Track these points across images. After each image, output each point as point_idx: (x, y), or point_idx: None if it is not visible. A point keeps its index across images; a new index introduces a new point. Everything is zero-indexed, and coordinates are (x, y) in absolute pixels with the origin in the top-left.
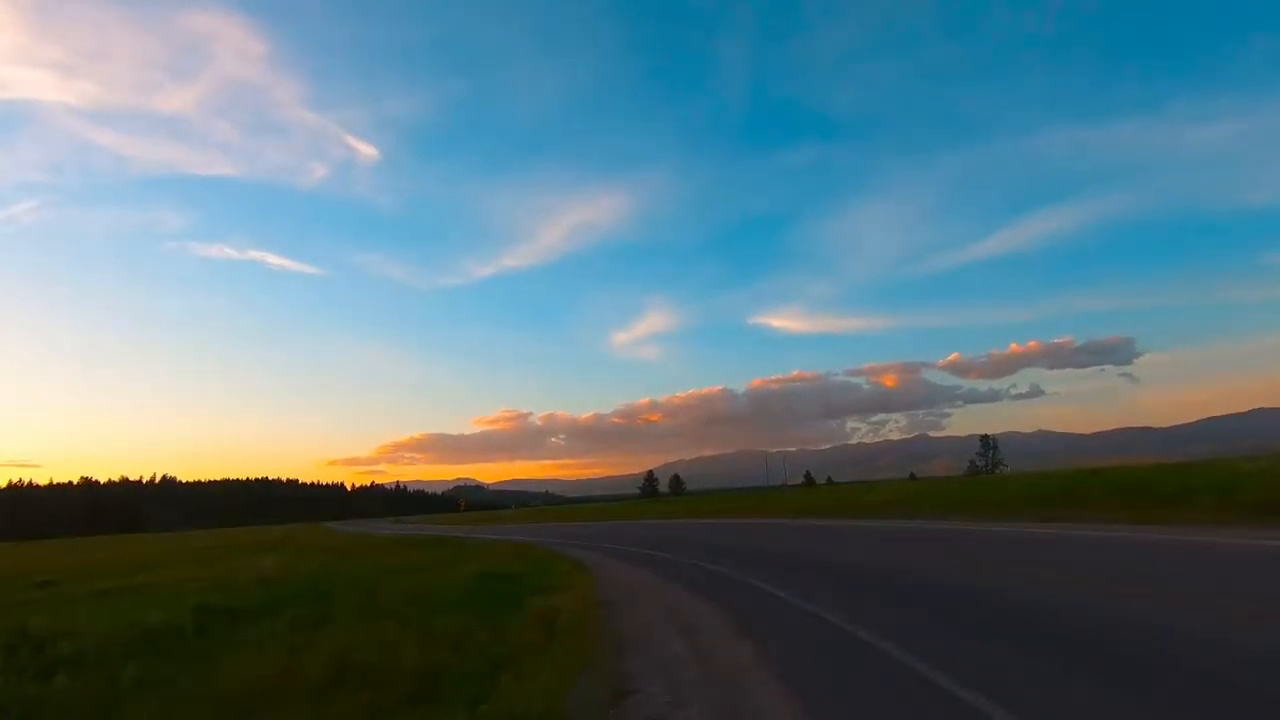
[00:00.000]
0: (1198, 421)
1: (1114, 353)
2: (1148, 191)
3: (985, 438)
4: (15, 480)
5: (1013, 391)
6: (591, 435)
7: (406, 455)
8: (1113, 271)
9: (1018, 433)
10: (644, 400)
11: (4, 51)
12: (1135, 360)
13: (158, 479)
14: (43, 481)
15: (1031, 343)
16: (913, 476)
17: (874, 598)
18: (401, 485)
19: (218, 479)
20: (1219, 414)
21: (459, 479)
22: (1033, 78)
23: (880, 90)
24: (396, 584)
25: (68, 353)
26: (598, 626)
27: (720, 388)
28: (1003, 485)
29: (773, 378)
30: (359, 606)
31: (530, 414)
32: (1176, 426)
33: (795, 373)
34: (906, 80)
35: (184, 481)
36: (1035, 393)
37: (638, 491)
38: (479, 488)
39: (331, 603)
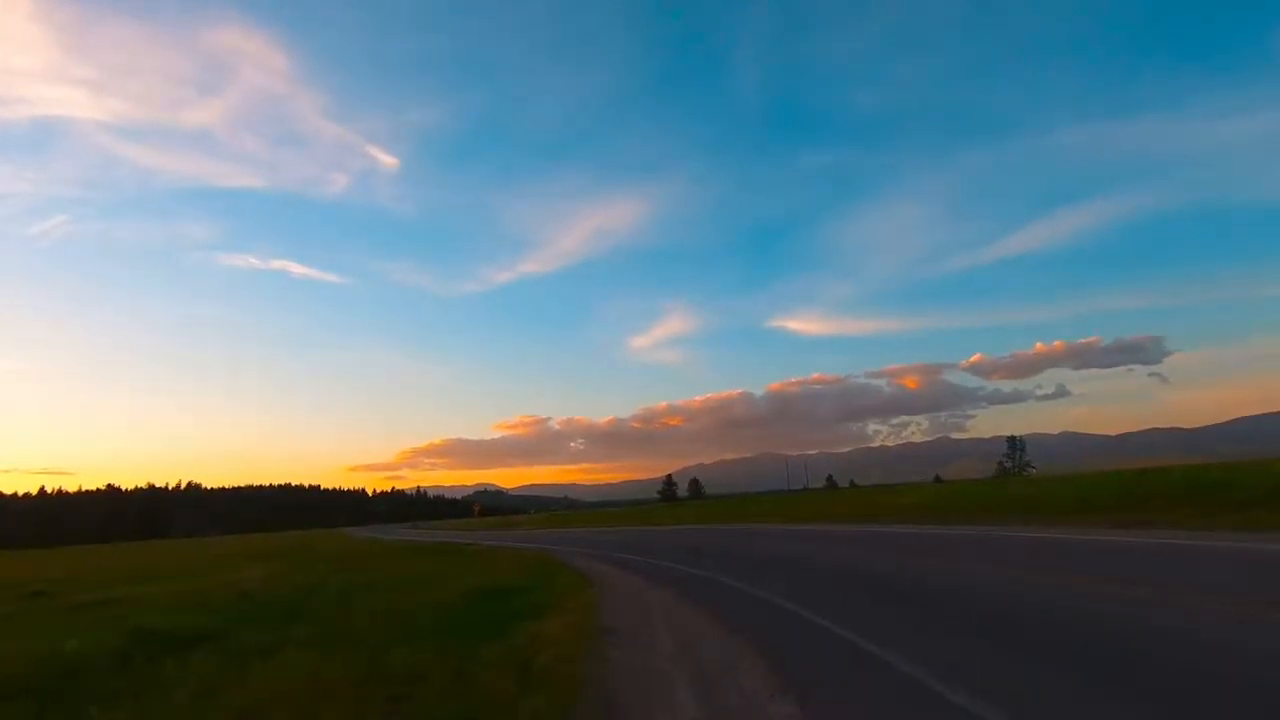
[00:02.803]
0: (1229, 421)
1: (1142, 352)
2: (1175, 187)
3: (1012, 439)
4: (45, 487)
5: (1038, 392)
6: (610, 440)
7: (427, 461)
8: (1141, 269)
9: (1044, 434)
10: (662, 404)
11: (38, 70)
12: (1165, 359)
13: (183, 485)
14: (72, 488)
15: (1056, 342)
16: (938, 479)
17: (977, 641)
18: (422, 491)
19: (242, 485)
20: (1252, 414)
21: (479, 484)
22: (1054, 74)
23: (899, 90)
24: (381, 599)
25: (98, 362)
26: (588, 670)
27: (739, 391)
28: (1049, 487)
29: (792, 380)
30: (322, 631)
31: (549, 419)
32: (1207, 427)
33: (815, 375)
34: (926, 79)
35: (209, 488)
36: (1061, 393)
37: (657, 496)
38: (499, 493)
39: (296, 624)
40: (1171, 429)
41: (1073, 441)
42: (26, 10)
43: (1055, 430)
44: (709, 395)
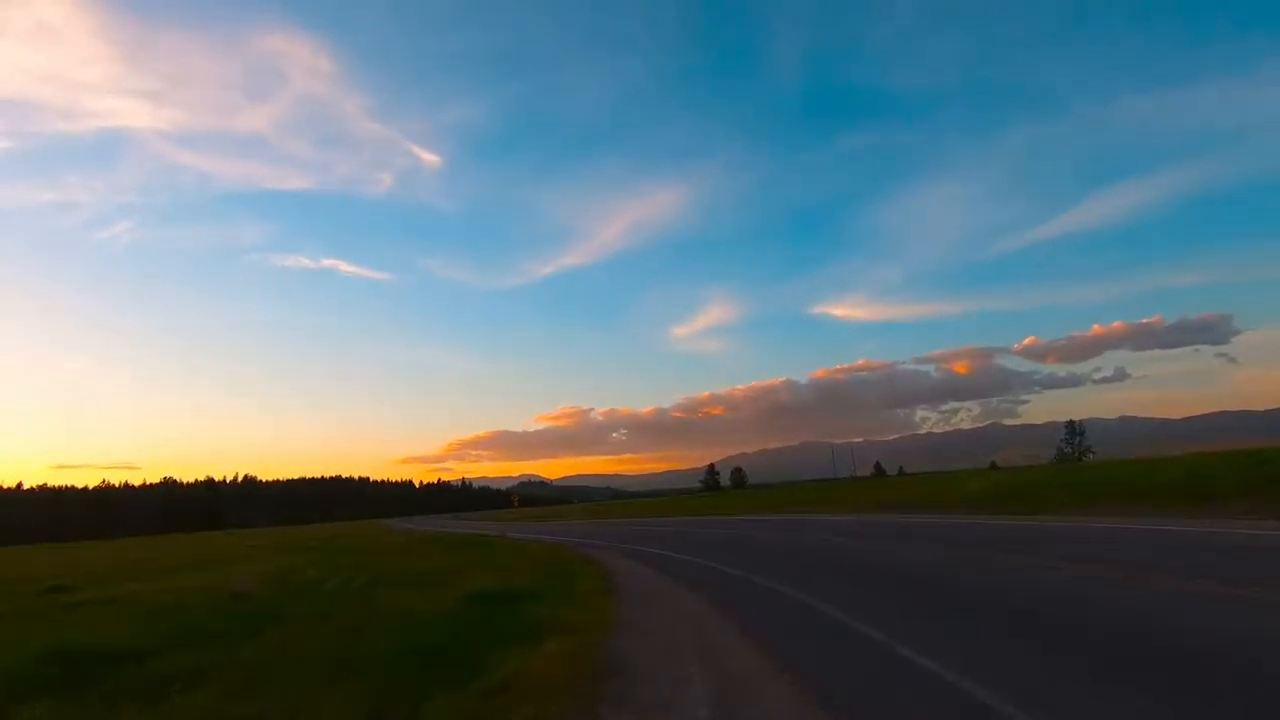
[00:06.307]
0: None
1: (1209, 331)
2: (1241, 157)
3: (1071, 423)
4: (107, 481)
5: (1095, 375)
6: (653, 430)
7: (472, 453)
8: (1206, 244)
9: (1100, 418)
10: (705, 394)
11: (101, 83)
12: (1233, 339)
13: (240, 478)
14: (136, 482)
15: (1116, 323)
16: (994, 465)
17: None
18: (467, 482)
19: (294, 478)
20: None
21: (523, 475)
22: (1109, 42)
23: (944, 66)
24: (374, 603)
25: (161, 360)
26: None
27: (783, 379)
28: (1141, 472)
29: (837, 367)
30: (274, 651)
31: (592, 410)
32: (1279, 409)
33: (861, 361)
34: (971, 54)
35: (263, 481)
36: (1120, 376)
37: (699, 485)
38: (542, 484)
39: (255, 639)
40: (1242, 411)
41: (1133, 426)
42: (90, 28)
43: (1113, 415)
44: (752, 384)
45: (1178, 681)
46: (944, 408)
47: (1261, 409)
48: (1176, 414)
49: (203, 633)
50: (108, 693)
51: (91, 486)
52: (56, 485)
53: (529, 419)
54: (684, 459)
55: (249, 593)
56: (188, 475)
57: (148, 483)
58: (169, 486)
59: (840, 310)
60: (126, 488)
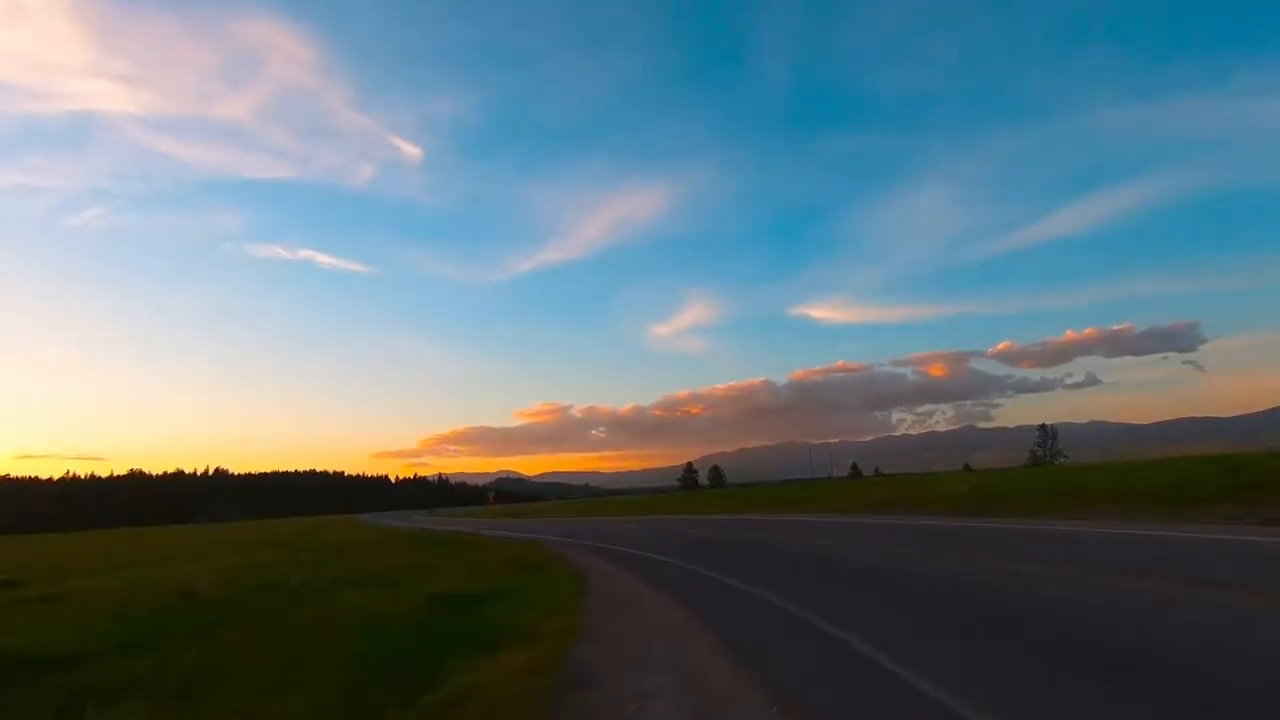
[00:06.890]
0: (1267, 410)
1: (1178, 339)
2: (1214, 168)
3: (1044, 427)
4: (73, 472)
5: (1067, 380)
6: (632, 427)
7: (450, 448)
8: (1177, 253)
9: (1072, 423)
10: (684, 392)
11: (75, 66)
12: (1201, 346)
13: (210, 471)
14: (105, 474)
15: (1088, 329)
16: (968, 468)
17: None
18: (444, 477)
19: (268, 471)
20: None
21: (501, 471)
22: (1089, 53)
23: (928, 72)
24: (333, 604)
25: (131, 350)
26: None
27: (762, 379)
28: (1127, 474)
29: (815, 369)
30: (213, 658)
31: (571, 406)
32: (1244, 415)
33: (839, 363)
34: (955, 61)
35: (235, 474)
36: (1091, 381)
37: (677, 484)
38: (521, 480)
39: (196, 644)
40: (1206, 418)
41: (1103, 430)
42: (64, 9)
43: (1084, 419)
44: (731, 384)
45: None
46: (919, 410)
47: (1227, 415)
48: (1145, 419)
49: (145, 635)
50: (20, 706)
51: (57, 478)
52: (20, 476)
53: (508, 415)
54: (662, 457)
55: (200, 592)
56: (156, 467)
57: (115, 475)
58: (137, 479)
59: (819, 312)
60: (93, 479)
